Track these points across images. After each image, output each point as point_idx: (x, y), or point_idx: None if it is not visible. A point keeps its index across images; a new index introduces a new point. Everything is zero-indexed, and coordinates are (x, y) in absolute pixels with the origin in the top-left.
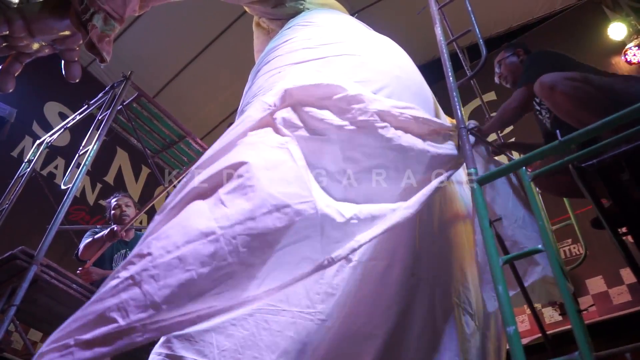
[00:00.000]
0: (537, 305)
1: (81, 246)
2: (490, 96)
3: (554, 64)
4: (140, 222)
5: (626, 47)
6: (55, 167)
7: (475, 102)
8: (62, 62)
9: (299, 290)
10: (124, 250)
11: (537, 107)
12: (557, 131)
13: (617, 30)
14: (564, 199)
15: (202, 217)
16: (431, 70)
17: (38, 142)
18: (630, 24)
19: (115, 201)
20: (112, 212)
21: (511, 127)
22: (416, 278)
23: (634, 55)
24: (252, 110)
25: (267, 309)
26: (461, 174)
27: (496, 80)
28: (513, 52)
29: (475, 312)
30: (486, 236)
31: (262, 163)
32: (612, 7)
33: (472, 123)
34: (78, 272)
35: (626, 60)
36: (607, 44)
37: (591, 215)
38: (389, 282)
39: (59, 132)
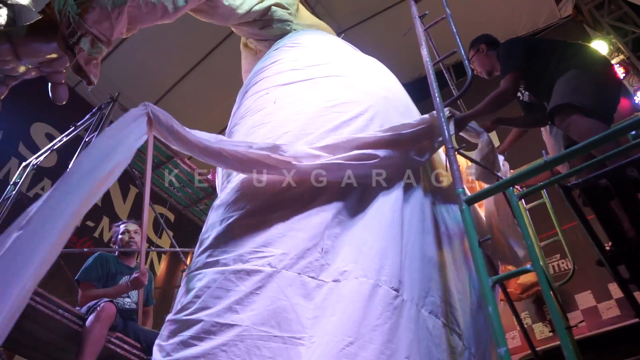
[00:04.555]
0: (528, 321)
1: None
2: None
3: (528, 50)
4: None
5: None
6: (42, 189)
7: None
8: (49, 84)
9: (290, 316)
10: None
11: (520, 93)
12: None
13: (598, 48)
14: (551, 214)
15: None
16: (417, 88)
17: (24, 163)
18: (610, 42)
19: (125, 226)
20: (120, 236)
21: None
22: (401, 299)
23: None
24: None
25: (257, 334)
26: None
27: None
28: (477, 49)
29: (463, 332)
30: (475, 256)
31: None
32: (593, 25)
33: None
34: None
35: None
36: None
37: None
38: (375, 301)
39: (46, 154)
